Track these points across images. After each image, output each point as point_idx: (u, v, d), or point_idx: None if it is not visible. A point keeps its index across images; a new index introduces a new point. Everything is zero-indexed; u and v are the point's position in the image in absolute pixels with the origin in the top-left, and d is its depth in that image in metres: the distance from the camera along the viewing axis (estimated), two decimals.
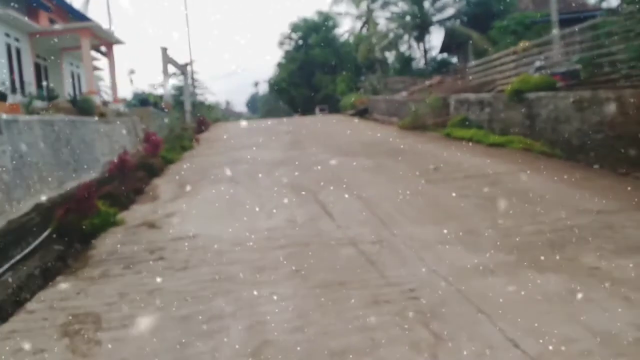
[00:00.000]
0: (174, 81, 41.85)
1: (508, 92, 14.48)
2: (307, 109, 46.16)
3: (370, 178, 9.67)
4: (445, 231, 6.05)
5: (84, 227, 7.10)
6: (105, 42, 23.32)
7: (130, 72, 46.70)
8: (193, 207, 8.52)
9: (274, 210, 7.84)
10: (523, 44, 18.53)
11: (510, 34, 21.49)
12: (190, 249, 6.23)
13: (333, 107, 42.71)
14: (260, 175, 10.97)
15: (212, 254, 5.93)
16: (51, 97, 20.92)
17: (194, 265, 5.57)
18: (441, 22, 33.13)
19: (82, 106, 19.14)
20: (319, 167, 11.37)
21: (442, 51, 39.04)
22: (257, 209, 7.98)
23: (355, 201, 8.02)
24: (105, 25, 24.37)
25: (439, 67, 37.02)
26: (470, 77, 20.15)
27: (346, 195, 8.44)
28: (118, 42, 24.75)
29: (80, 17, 23.55)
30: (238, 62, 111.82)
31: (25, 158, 10.45)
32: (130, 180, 10.14)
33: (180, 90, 40.49)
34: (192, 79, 47.19)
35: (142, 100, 21.98)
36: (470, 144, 13.09)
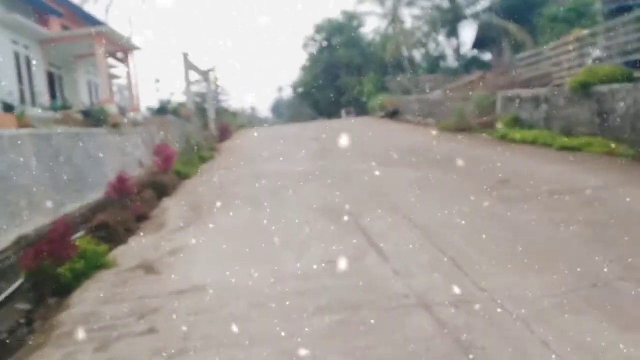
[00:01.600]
0: (197, 88, 40.64)
1: (572, 86, 12.39)
2: (332, 112, 44.34)
3: (422, 196, 7.78)
4: (558, 283, 4.14)
5: (60, 275, 5.44)
6: (121, 48, 22.00)
7: (157, 80, 45.89)
8: (204, 241, 6.78)
9: (306, 245, 6.03)
10: (579, 32, 16.36)
11: (562, 22, 19.26)
12: (194, 312, 4.47)
13: (360, 109, 40.79)
14: (287, 193, 9.20)
15: (222, 324, 4.15)
16: (64, 107, 19.71)
17: (195, 349, 3.78)
18: (475, 16, 30.87)
19: (96, 116, 17.81)
20: (356, 182, 9.54)
21: (474, 47, 36.75)
22: (284, 243, 6.20)
23: (409, 230, 6.16)
24: (126, 32, 23.15)
25: (469, 65, 34.71)
26: (518, 72, 18.01)
27: (396, 221, 6.59)
28: (135, 48, 23.45)
29: (94, 22, 22.25)
30: (263, 66, 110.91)
31: (10, 180, 8.93)
32: (134, 203, 8.51)
33: (203, 97, 39.31)
34: (216, 85, 46.10)
35: (161, 109, 20.51)
36: (534, 148, 11.07)
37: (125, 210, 8.00)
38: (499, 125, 14.80)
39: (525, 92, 14.99)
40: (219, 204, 8.86)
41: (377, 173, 9.96)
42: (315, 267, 5.21)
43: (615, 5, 19.96)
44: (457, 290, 4.27)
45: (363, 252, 5.57)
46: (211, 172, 13.01)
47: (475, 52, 37.69)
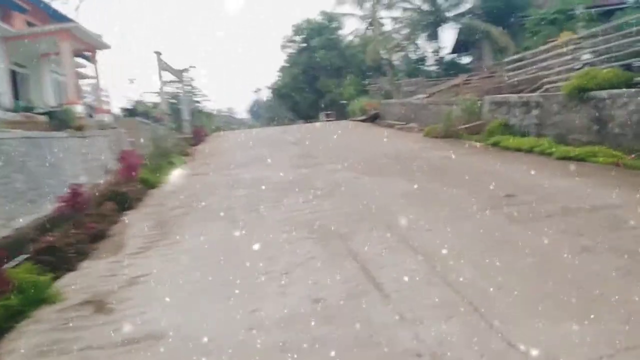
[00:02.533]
0: (171, 89, 39.21)
1: (567, 91, 11.73)
2: (311, 115, 43.45)
3: (419, 212, 6.90)
4: (609, 337, 3.29)
5: None
6: (89, 46, 20.70)
7: (130, 81, 44.25)
8: (168, 268, 5.77)
9: (289, 277, 5.09)
10: (568, 35, 15.81)
11: (549, 24, 18.75)
12: None
13: (339, 112, 39.99)
14: (265, 207, 8.23)
15: None
16: (26, 108, 18.36)
17: None
18: (455, 18, 30.36)
19: (60, 118, 16.61)
20: (343, 194, 8.63)
21: (453, 51, 36.31)
22: (263, 274, 5.24)
23: (410, 257, 5.27)
24: (98, 30, 21.79)
25: (449, 68, 34.19)
26: (505, 76, 17.38)
27: (394, 245, 5.69)
28: (104, 46, 22.16)
29: (61, 19, 20.89)
30: (239, 66, 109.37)
31: None
32: (90, 218, 7.44)
33: (178, 98, 37.91)
34: (191, 85, 44.66)
35: (129, 110, 19.31)
36: (532, 156, 10.34)
37: (79, 228, 6.93)
38: (487, 131, 14.11)
39: (515, 97, 14.32)
40: (188, 219, 7.85)
41: (366, 184, 9.08)
42: (301, 309, 4.26)
43: (603, 8, 19.63)
44: (481, 346, 3.38)
45: (358, 287, 4.66)
46: (182, 179, 11.95)
47: (455, 55, 37.35)
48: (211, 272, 5.45)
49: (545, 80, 14.76)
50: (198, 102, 44.94)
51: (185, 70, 38.69)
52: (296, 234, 6.50)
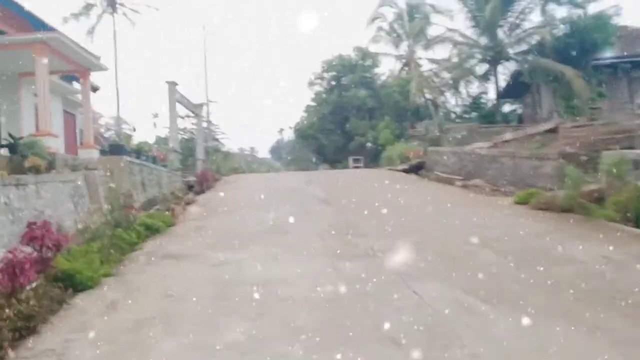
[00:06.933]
0: (187, 124, 35.34)
1: None
2: (337, 159, 38.99)
3: None
4: None
5: None
6: (77, 65, 16.63)
7: (154, 115, 40.49)
8: None
9: None
10: None
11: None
12: None
13: (370, 158, 35.46)
14: None
15: None
16: None
17: None
18: (519, 56, 25.89)
19: (24, 153, 12.41)
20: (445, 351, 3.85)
21: (503, 96, 31.65)
22: None
23: None
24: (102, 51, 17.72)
25: (487, 116, 29.42)
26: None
27: None
28: (98, 67, 18.11)
29: (43, 28, 16.81)
30: (263, 104, 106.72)
31: None
32: None
33: (192, 134, 34.01)
34: (208, 122, 40.78)
35: (114, 146, 14.93)
36: None
37: None
38: (614, 202, 9.29)
39: None
40: None
41: (501, 335, 4.27)
42: None
43: None
44: None
45: None
46: (140, 274, 7.09)
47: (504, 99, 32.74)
48: None
49: None
50: (216, 140, 41.09)
51: (203, 105, 34.97)
52: None
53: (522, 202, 11.04)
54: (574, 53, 24.53)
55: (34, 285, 5.31)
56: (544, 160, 13.34)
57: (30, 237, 5.73)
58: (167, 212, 11.92)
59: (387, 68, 42.16)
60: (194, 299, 5.67)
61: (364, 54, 39.87)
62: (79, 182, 12.22)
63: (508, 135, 18.03)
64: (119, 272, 6.98)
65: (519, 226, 9.02)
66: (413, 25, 37.08)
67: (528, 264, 6.49)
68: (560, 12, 26.86)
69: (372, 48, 40.03)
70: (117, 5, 32.53)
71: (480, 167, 17.25)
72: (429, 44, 34.57)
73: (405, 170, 22.75)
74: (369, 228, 9.27)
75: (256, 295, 5.65)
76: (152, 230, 9.86)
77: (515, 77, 29.07)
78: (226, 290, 5.89)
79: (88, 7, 31.51)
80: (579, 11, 26.16)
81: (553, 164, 13.02)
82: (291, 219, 10.64)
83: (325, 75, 41.42)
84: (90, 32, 32.05)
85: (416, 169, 22.48)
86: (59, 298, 5.45)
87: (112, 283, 6.41)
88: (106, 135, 34.48)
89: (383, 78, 40.68)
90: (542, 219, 9.39)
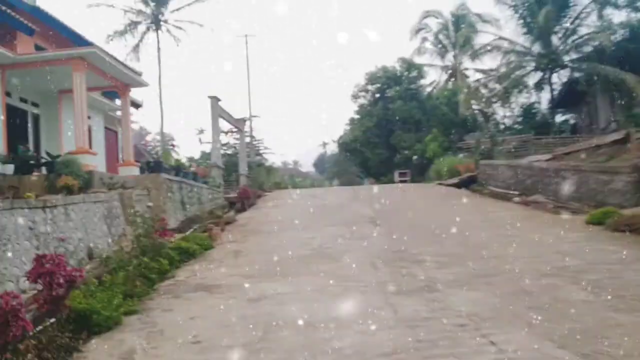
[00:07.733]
0: (230, 139, 35.12)
1: None
2: (382, 173, 37.79)
3: None
4: None
5: None
6: (116, 81, 16.32)
7: (200, 131, 40.64)
8: None
9: None
10: None
11: None
12: None
13: (416, 171, 34.12)
14: None
15: None
16: (25, 157, 13.94)
17: None
18: (574, 63, 24.11)
19: (61, 172, 12.04)
20: None
21: (557, 105, 29.62)
22: None
23: None
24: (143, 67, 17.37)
25: (537, 127, 27.43)
26: None
27: None
28: (139, 83, 17.83)
29: (82, 43, 16.59)
30: (307, 118, 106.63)
31: None
32: None
33: (235, 149, 33.72)
34: (252, 136, 40.46)
35: (153, 163, 14.43)
36: None
37: None
38: None
39: None
40: None
41: None
42: None
43: None
44: None
45: None
46: (166, 311, 6.10)
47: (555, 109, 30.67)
48: None
49: None
50: (259, 154, 40.70)
51: (246, 119, 34.71)
52: None
53: (596, 221, 9.69)
54: (634, 59, 22.62)
55: (40, 328, 4.55)
56: (614, 174, 11.91)
57: (38, 273, 5.00)
58: (205, 233, 11.16)
59: (432, 79, 40.40)
60: (224, 346, 4.77)
61: (409, 65, 38.73)
62: (115, 202, 11.70)
63: (570, 147, 16.48)
64: (144, 308, 6.17)
65: (603, 252, 7.72)
66: (459, 36, 35.84)
67: (628, 304, 5.27)
68: (619, 16, 25.06)
69: (417, 59, 38.96)
70: (161, 23, 32.76)
71: (540, 182, 15.81)
72: (476, 54, 33.20)
73: (455, 185, 21.45)
74: (426, 254, 8.18)
75: (299, 344, 4.69)
76: (187, 255, 9.09)
77: (570, 85, 27.23)
78: (264, 336, 4.97)
79: (132, 25, 31.87)
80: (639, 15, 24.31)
81: (626, 178, 11.58)
82: (338, 242, 9.64)
83: (370, 87, 40.51)
84: (135, 49, 32.49)
85: (467, 184, 21.09)
86: (68, 346, 4.66)
87: (134, 323, 5.60)
88: (153, 152, 34.66)
89: (428, 89, 39.46)
90: (628, 244, 8.05)
